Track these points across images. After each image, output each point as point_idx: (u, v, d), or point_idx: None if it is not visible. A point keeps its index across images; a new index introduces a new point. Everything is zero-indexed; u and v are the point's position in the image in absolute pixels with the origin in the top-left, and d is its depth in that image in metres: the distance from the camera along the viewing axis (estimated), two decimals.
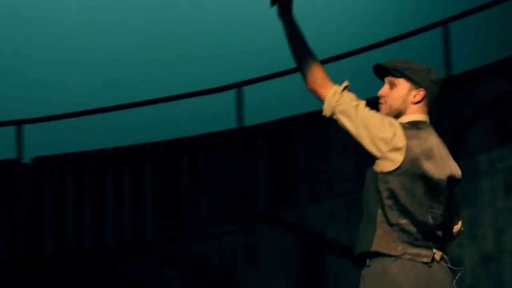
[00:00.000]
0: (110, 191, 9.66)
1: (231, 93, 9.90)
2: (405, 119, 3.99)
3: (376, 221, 3.86)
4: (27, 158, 9.67)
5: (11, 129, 9.75)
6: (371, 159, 3.83)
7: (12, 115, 10.10)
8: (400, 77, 4.02)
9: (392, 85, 4.06)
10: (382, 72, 4.04)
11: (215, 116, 10.76)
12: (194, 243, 9.26)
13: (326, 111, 3.85)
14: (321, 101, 3.91)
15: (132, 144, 10.01)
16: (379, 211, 3.85)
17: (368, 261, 3.83)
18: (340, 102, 3.85)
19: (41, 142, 10.21)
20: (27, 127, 9.69)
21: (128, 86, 12.49)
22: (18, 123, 9.60)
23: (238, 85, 9.87)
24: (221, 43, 13.55)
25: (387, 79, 4.06)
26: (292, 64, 4.17)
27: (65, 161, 9.68)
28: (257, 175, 9.65)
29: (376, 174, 3.87)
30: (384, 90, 4.06)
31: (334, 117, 3.87)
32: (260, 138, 9.95)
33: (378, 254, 3.78)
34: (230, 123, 9.98)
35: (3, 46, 12.79)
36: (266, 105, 11.02)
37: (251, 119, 9.95)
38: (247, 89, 9.96)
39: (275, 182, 9.62)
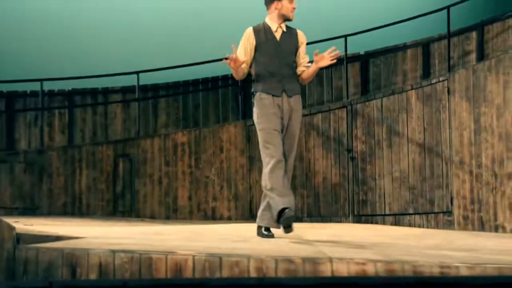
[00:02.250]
0: None
1: None
2: (285, 22, 6.04)
3: (296, 76, 6.03)
4: None
5: None
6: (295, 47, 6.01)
7: None
8: None
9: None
10: None
11: None
12: None
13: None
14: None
15: None
16: (296, 71, 6.03)
17: (297, 97, 6.00)
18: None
19: None
20: None
21: None
22: None
23: None
24: None
25: None
26: None
27: None
28: None
29: (295, 51, 5.99)
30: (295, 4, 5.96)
31: None
32: None
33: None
34: None
35: None
36: None
37: None
38: None
39: None
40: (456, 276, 3.42)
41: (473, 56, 11.73)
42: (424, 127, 10.57)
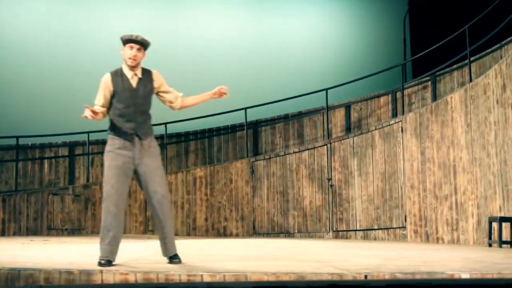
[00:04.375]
0: None
1: None
2: (140, 65, 4.98)
3: (151, 116, 5.02)
4: None
5: None
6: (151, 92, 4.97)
7: None
8: (145, 48, 5.01)
9: (140, 51, 4.95)
10: (134, 42, 4.94)
11: None
12: None
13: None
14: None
15: None
16: (150, 113, 5.00)
17: (150, 138, 4.92)
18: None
19: None
20: None
21: None
22: None
23: None
24: None
25: (138, 47, 4.93)
26: None
27: None
28: None
29: (152, 94, 4.98)
30: (136, 53, 4.92)
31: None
32: None
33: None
34: None
35: None
36: None
37: None
38: None
39: None
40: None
41: (429, 100, 11.98)
42: (385, 159, 10.85)
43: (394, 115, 12.28)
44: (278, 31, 14.72)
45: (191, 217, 12.35)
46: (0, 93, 13.11)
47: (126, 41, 4.95)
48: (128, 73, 4.99)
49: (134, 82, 4.97)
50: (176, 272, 3.68)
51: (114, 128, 4.92)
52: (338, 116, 13.18)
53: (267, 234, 12.41)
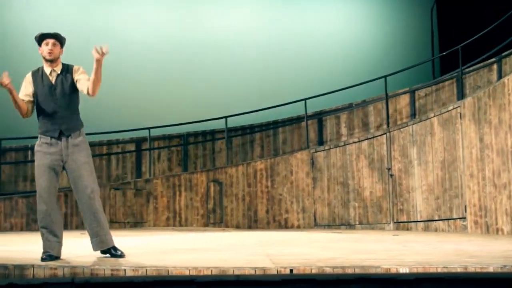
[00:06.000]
0: None
1: None
2: (60, 62, 5.04)
3: (77, 112, 5.03)
4: None
5: None
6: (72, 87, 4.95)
7: None
8: (61, 44, 5.06)
9: (56, 45, 5.00)
10: (50, 36, 4.98)
11: None
12: None
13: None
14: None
15: None
16: (77, 107, 5.04)
17: (78, 133, 4.95)
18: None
19: None
20: None
21: None
22: None
23: None
24: None
25: (53, 41, 4.98)
26: None
27: None
28: None
29: (74, 89, 4.96)
30: (52, 47, 4.98)
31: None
32: None
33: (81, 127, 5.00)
34: None
35: None
36: None
37: None
38: None
39: None
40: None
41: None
42: (444, 147, 10.46)
43: (460, 99, 11.84)
44: (321, 22, 14.66)
45: (252, 209, 12.48)
46: None
47: (41, 38, 5.03)
48: (47, 70, 5.06)
49: (52, 78, 5.04)
50: (100, 267, 3.76)
51: (41, 126, 5.03)
52: (403, 103, 12.86)
53: (328, 226, 12.33)
